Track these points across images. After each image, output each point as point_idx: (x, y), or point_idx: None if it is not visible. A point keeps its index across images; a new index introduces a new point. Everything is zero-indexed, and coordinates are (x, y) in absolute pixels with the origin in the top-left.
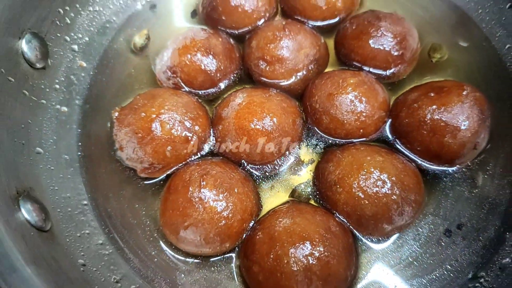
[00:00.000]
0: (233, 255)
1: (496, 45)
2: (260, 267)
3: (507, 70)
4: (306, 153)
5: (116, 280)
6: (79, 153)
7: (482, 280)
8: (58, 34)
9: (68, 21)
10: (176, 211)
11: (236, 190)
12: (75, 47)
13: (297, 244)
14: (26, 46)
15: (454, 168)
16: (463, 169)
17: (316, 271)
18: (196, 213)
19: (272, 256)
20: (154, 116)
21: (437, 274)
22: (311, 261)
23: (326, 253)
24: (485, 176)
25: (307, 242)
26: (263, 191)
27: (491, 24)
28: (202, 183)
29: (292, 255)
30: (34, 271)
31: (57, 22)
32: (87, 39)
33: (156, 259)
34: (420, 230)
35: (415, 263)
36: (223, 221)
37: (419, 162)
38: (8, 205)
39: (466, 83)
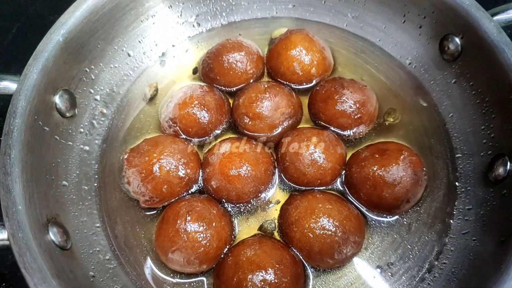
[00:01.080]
0: (204, 279)
1: (443, 113)
2: (226, 287)
3: (448, 134)
4: (274, 195)
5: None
6: (95, 184)
7: None
8: (85, 88)
9: (93, 77)
10: (167, 238)
11: (214, 224)
12: (98, 97)
13: (254, 272)
14: (58, 100)
15: (391, 218)
16: (399, 217)
17: None
18: (181, 240)
19: (235, 279)
20: (155, 160)
21: None
22: (264, 286)
23: (276, 280)
24: (415, 224)
25: (262, 270)
26: (238, 224)
27: (439, 94)
28: (187, 218)
29: (249, 280)
30: (57, 283)
31: (84, 79)
32: (107, 90)
33: (149, 274)
34: (356, 263)
35: None
36: (202, 248)
37: (363, 210)
38: (40, 231)
39: (410, 145)
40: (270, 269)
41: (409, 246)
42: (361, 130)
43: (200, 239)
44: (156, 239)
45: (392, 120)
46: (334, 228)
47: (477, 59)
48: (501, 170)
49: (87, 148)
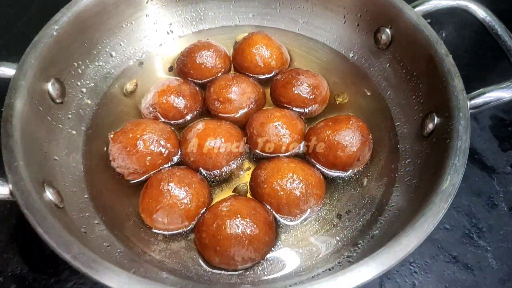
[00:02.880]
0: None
1: (382, 92)
2: (206, 233)
3: (388, 108)
4: (245, 163)
5: (107, 245)
6: (83, 163)
7: (359, 245)
8: (73, 80)
9: (80, 72)
10: (151, 199)
11: (193, 186)
12: (84, 89)
13: (231, 217)
14: (51, 87)
15: (346, 174)
16: (351, 175)
17: (244, 234)
18: (165, 199)
19: (214, 225)
20: (139, 136)
21: (331, 244)
22: (240, 227)
23: (251, 223)
24: (367, 179)
25: (238, 215)
26: (214, 189)
27: (378, 78)
28: (170, 179)
29: (228, 223)
30: (60, 228)
31: (72, 71)
32: (92, 84)
33: (134, 234)
34: (319, 214)
35: (315, 235)
36: (183, 206)
37: (322, 169)
38: (38, 186)
39: (360, 119)
40: (245, 214)
41: (362, 197)
42: (315, 109)
43: (182, 197)
44: (141, 202)
45: (341, 99)
46: (298, 182)
47: (404, 43)
48: (430, 125)
49: (74, 132)
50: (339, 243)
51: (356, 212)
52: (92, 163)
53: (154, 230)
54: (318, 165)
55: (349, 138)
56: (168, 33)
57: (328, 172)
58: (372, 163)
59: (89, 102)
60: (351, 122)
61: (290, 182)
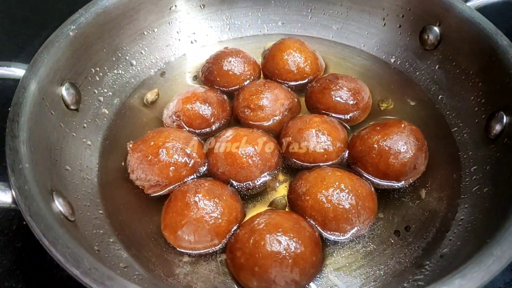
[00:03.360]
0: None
1: (432, 97)
2: (242, 251)
3: (441, 114)
4: (282, 174)
5: (124, 266)
6: (98, 176)
7: (427, 266)
8: (89, 87)
9: (97, 79)
10: (175, 214)
11: (224, 198)
12: (101, 98)
13: (271, 231)
14: (65, 91)
15: (399, 184)
16: (406, 186)
17: (288, 251)
18: (191, 213)
19: (251, 241)
20: (161, 144)
21: (390, 265)
22: (283, 243)
23: (295, 239)
24: (425, 190)
25: (280, 229)
26: (247, 203)
27: (426, 82)
28: (197, 190)
29: (267, 238)
30: (68, 239)
31: (89, 78)
32: (110, 93)
33: (156, 256)
34: (373, 231)
35: (369, 256)
36: (213, 220)
37: (372, 180)
38: (46, 194)
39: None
40: (288, 228)
41: (422, 211)
42: (357, 116)
43: (211, 211)
44: (164, 218)
45: (386, 105)
46: (347, 192)
47: (456, 39)
48: (498, 126)
49: (89, 142)
50: (401, 265)
51: (417, 228)
52: (108, 176)
53: (178, 250)
54: (366, 175)
55: (403, 143)
56: (192, 42)
57: (379, 182)
58: (429, 174)
59: (106, 111)
60: (403, 125)
61: (337, 193)
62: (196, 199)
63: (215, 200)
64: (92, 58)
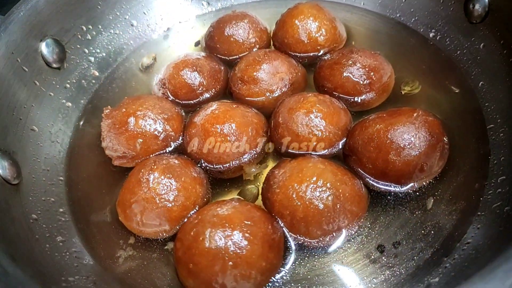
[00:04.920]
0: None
1: (472, 83)
2: (181, 243)
3: (478, 105)
4: (263, 160)
5: (60, 240)
6: (70, 141)
7: None
8: (78, 46)
9: (89, 37)
10: (127, 190)
11: (182, 179)
12: (92, 58)
13: (216, 225)
14: (45, 48)
15: (401, 189)
16: (410, 191)
17: (227, 251)
18: (140, 191)
19: (192, 233)
20: (132, 112)
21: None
22: (223, 241)
23: (240, 237)
24: (433, 199)
25: (226, 224)
26: (215, 189)
27: (468, 64)
28: (153, 167)
29: (208, 233)
30: None
31: (79, 36)
32: (104, 54)
33: (102, 232)
34: (352, 240)
35: (340, 271)
36: (164, 203)
37: (368, 180)
38: None
39: (433, 114)
40: (236, 224)
41: (422, 225)
42: (371, 98)
43: (163, 192)
44: (119, 194)
45: (409, 89)
46: (324, 189)
47: (508, 12)
48: None
49: (69, 104)
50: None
51: (409, 247)
52: (82, 142)
53: (128, 230)
54: (361, 172)
55: (409, 136)
56: (203, 4)
57: (376, 184)
58: (444, 178)
59: (97, 73)
60: (415, 114)
61: (311, 189)
62: (150, 176)
63: (171, 180)
64: (84, 14)
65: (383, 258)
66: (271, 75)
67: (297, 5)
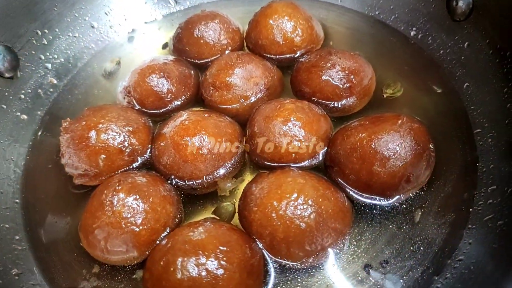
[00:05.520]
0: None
1: (456, 85)
2: (150, 274)
3: (463, 109)
4: (239, 174)
5: (15, 273)
6: (26, 156)
7: None
8: (33, 52)
9: (45, 42)
10: (89, 214)
11: (151, 200)
12: (49, 65)
13: (188, 253)
14: None
15: (387, 202)
16: (396, 204)
17: (201, 282)
18: (104, 216)
19: (161, 263)
20: (93, 125)
21: None
22: (197, 271)
23: (215, 266)
24: (421, 212)
25: (200, 251)
26: (187, 208)
27: (451, 64)
28: (117, 187)
29: (179, 263)
30: None
31: (34, 41)
32: (62, 60)
33: (64, 261)
34: (338, 261)
35: None
36: (131, 227)
37: (350, 192)
38: None
39: (418, 119)
40: (209, 252)
41: (410, 240)
42: (352, 103)
43: (129, 215)
44: (82, 218)
45: (391, 92)
46: (306, 207)
47: (494, 9)
48: None
49: (24, 117)
50: None
51: (398, 266)
52: (39, 159)
53: (91, 258)
54: (343, 184)
55: (394, 145)
56: (170, 3)
57: (359, 198)
58: (431, 189)
59: (55, 81)
60: (399, 122)
61: (293, 207)
62: (114, 198)
63: (138, 202)
64: (38, 18)
65: (371, 279)
66: (245, 80)
67: (270, 3)
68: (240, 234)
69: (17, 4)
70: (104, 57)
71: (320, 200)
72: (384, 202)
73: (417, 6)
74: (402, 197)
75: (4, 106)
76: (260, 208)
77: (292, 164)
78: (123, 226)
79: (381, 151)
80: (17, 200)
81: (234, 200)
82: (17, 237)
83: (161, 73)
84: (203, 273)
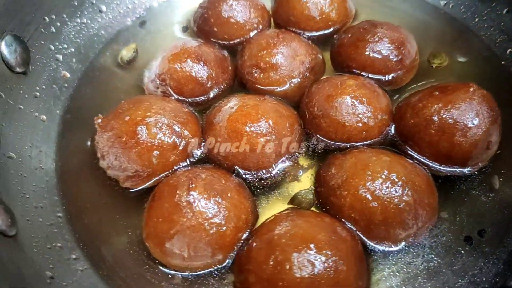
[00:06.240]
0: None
1: (497, 51)
2: (257, 276)
3: (509, 73)
4: (306, 158)
5: None
6: (57, 163)
7: None
8: (42, 42)
9: (54, 30)
10: (161, 219)
11: (229, 195)
12: (60, 56)
13: (300, 248)
14: (6, 48)
15: (466, 170)
16: (476, 172)
17: (324, 277)
18: (183, 219)
19: (271, 262)
20: (140, 118)
21: (460, 286)
22: (317, 266)
23: (334, 258)
24: (501, 179)
25: (311, 244)
26: (260, 200)
27: (490, 31)
28: (191, 186)
29: (295, 259)
30: None
31: (42, 29)
32: (72, 50)
33: (136, 277)
34: (437, 238)
35: (434, 274)
36: (215, 229)
37: (430, 165)
38: None
39: None
40: (323, 242)
41: (500, 207)
42: (401, 76)
43: (212, 215)
44: (146, 225)
45: (439, 62)
46: (401, 185)
47: None
48: None
49: (44, 117)
50: (476, 286)
51: (495, 232)
52: (71, 164)
53: (165, 270)
54: (420, 158)
55: (473, 114)
56: None
57: (438, 168)
58: (503, 154)
59: (68, 75)
60: (472, 89)
61: (387, 186)
62: (190, 198)
63: (218, 198)
64: (44, 2)
65: (473, 250)
66: (291, 58)
67: None
68: (335, 221)
69: None
70: (117, 45)
71: (412, 176)
72: (461, 171)
73: None
74: (480, 165)
75: (21, 107)
76: (350, 191)
77: (358, 144)
78: (208, 227)
79: (462, 120)
80: (59, 214)
81: (309, 187)
82: (74, 256)
83: (198, 57)
84: (322, 267)
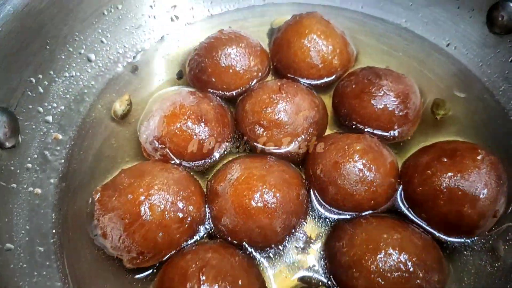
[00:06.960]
0: None
1: (501, 99)
2: None
3: None
4: (313, 228)
5: None
6: (55, 242)
7: None
8: (30, 106)
9: (41, 90)
10: None
11: (240, 283)
12: (49, 118)
13: None
14: None
15: (472, 239)
16: (482, 240)
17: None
18: None
19: None
20: (143, 198)
21: None
22: None
23: None
24: (506, 246)
25: None
26: (268, 277)
27: (493, 77)
28: (201, 278)
29: None
30: None
31: (29, 92)
32: (62, 108)
33: None
34: None
35: None
36: None
37: (436, 234)
38: None
39: (475, 143)
40: None
41: (504, 277)
42: (407, 129)
43: None
44: None
45: (443, 112)
46: (413, 266)
47: None
48: None
49: (38, 191)
50: None
51: None
52: (71, 240)
53: None
54: (428, 227)
55: (482, 184)
56: (172, 19)
57: (446, 239)
58: (508, 218)
59: (60, 137)
60: (480, 156)
61: (399, 269)
62: None
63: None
64: (29, 63)
65: None
66: (294, 114)
67: (299, 20)
68: None
69: (6, 52)
70: (109, 96)
71: (423, 255)
72: (469, 240)
73: (451, 16)
74: (486, 233)
75: (14, 185)
76: (362, 273)
77: (363, 212)
78: None
79: (470, 191)
80: None
81: (317, 260)
82: None
83: (199, 117)
84: None
